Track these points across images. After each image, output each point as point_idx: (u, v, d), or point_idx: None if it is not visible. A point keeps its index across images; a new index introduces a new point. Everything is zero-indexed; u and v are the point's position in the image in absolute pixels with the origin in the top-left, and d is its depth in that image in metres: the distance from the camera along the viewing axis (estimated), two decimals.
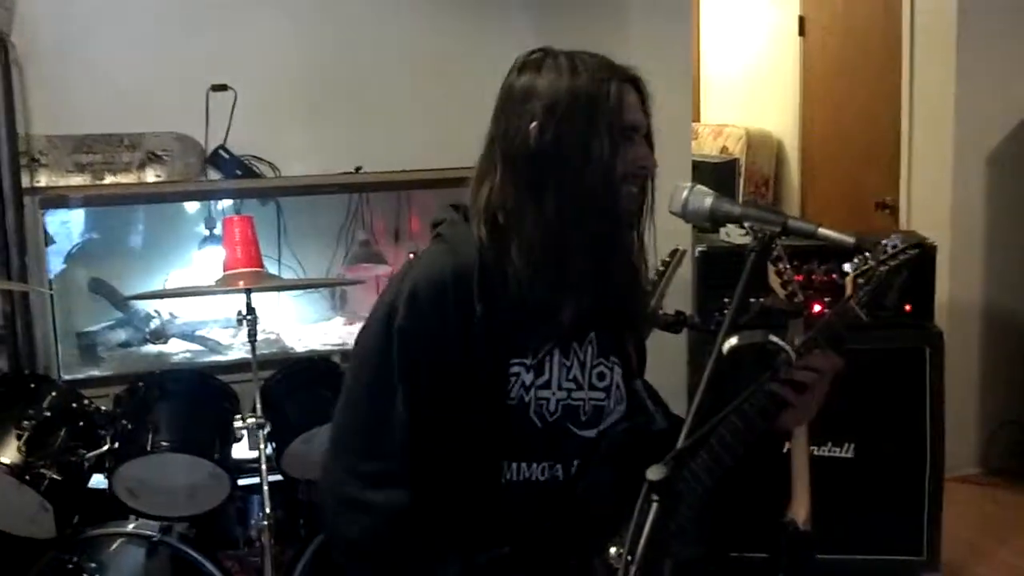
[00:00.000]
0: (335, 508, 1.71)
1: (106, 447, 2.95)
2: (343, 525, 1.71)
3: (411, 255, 4.27)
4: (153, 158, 4.10)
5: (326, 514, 1.75)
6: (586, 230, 1.65)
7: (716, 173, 5.41)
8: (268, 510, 2.85)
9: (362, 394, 1.71)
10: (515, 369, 1.69)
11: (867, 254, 1.68)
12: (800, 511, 2.66)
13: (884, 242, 1.72)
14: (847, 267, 1.69)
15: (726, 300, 1.48)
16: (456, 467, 1.69)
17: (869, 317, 1.70)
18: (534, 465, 1.74)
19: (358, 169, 4.16)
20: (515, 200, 1.67)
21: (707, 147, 6.23)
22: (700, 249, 3.55)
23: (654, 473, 1.28)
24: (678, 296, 3.21)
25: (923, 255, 3.47)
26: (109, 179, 4.04)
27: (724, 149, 6.10)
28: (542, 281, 1.65)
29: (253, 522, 2.97)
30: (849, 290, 1.73)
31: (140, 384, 3.10)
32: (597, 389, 1.80)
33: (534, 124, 1.64)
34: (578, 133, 1.63)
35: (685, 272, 3.43)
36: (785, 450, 2.77)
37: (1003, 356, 4.48)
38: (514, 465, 1.72)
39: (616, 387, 1.82)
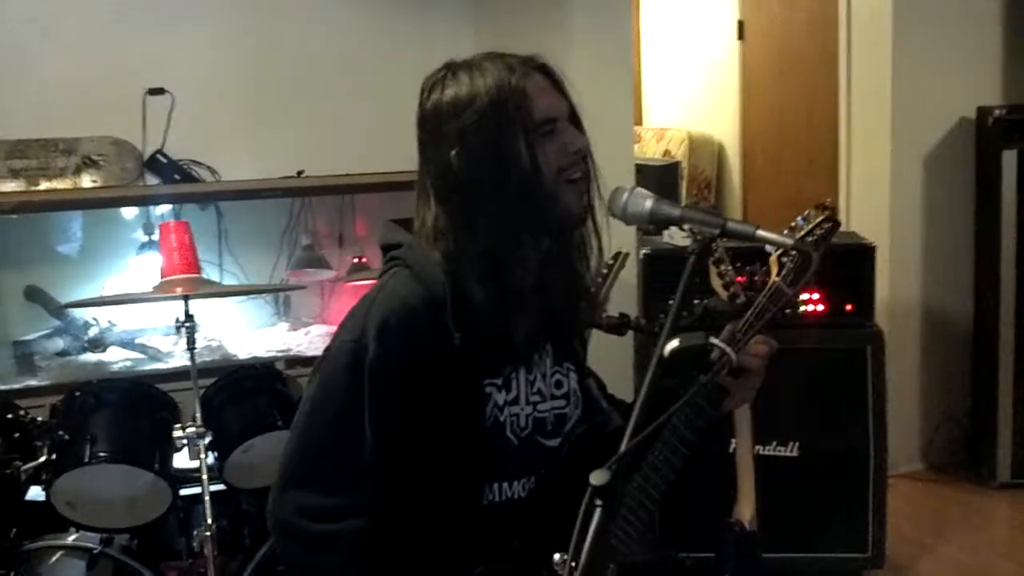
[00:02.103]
0: (303, 550, 1.66)
1: (43, 458, 2.89)
2: (318, 564, 1.65)
3: (355, 260, 4.26)
4: (89, 163, 4.03)
5: (284, 551, 1.70)
6: (523, 245, 1.64)
7: (659, 176, 5.45)
8: (210, 520, 2.81)
9: (325, 431, 1.65)
10: (488, 390, 1.68)
11: (784, 232, 1.68)
12: (746, 511, 2.67)
13: (798, 220, 1.75)
14: (768, 247, 1.70)
15: (670, 302, 1.48)
16: (437, 496, 1.67)
17: (795, 294, 1.72)
18: (515, 483, 1.73)
19: (300, 173, 4.13)
20: (452, 227, 1.64)
21: (650, 150, 6.27)
22: (644, 252, 3.56)
23: (597, 478, 1.27)
24: (623, 299, 3.21)
25: (862, 255, 3.55)
26: (44, 185, 3.97)
27: (667, 152, 6.14)
28: (492, 302, 1.63)
29: (196, 532, 2.94)
30: (774, 270, 1.75)
31: (77, 394, 3.05)
32: (557, 397, 1.80)
33: (452, 152, 1.62)
34: (492, 153, 1.60)
35: (630, 275, 3.45)
36: (731, 450, 2.79)
37: (943, 354, 4.55)
38: (495, 486, 1.71)
39: (573, 392, 1.83)
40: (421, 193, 1.69)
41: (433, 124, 1.64)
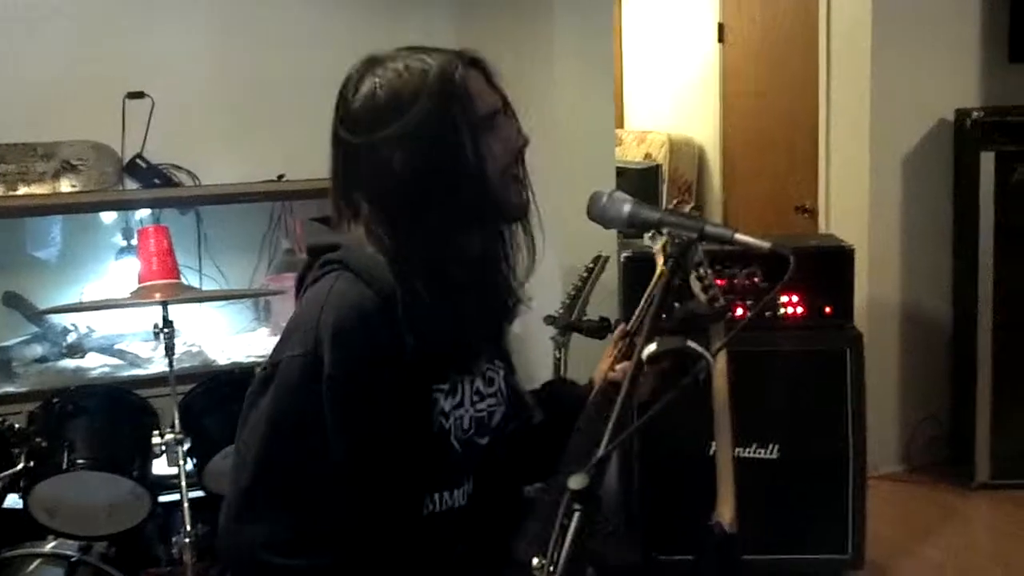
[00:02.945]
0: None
1: (20, 466, 2.87)
2: None
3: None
4: (68, 168, 4.01)
5: None
6: (467, 239, 1.58)
7: (640, 179, 5.47)
8: (189, 527, 2.80)
9: (281, 458, 1.54)
10: (435, 396, 1.60)
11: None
12: (725, 512, 2.67)
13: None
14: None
15: (649, 307, 1.48)
16: (379, 510, 1.57)
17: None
18: (456, 491, 1.66)
19: (280, 177, 4.12)
20: (391, 229, 1.56)
21: (631, 153, 6.28)
22: (625, 255, 3.57)
23: (576, 482, 1.27)
24: (603, 302, 3.22)
25: (841, 257, 3.57)
26: (23, 189, 3.94)
27: (648, 155, 6.16)
28: (440, 305, 1.55)
29: (175, 539, 2.92)
30: (659, 261, 1.75)
31: (55, 400, 3.03)
32: (490, 396, 1.72)
33: (396, 155, 1.53)
34: (440, 153, 1.53)
35: (611, 278, 3.45)
36: (711, 452, 2.80)
37: (921, 355, 4.57)
38: (436, 496, 1.63)
39: (500, 389, 1.75)
40: (342, 201, 1.61)
41: (366, 125, 1.55)
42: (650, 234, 1.64)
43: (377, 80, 1.56)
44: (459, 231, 1.57)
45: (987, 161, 4.16)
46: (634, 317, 1.91)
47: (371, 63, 1.60)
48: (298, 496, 1.54)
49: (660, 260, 1.70)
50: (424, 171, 1.54)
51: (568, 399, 1.87)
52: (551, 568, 1.28)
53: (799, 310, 3.51)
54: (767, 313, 3.48)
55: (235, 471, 1.59)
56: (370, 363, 1.52)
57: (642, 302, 1.88)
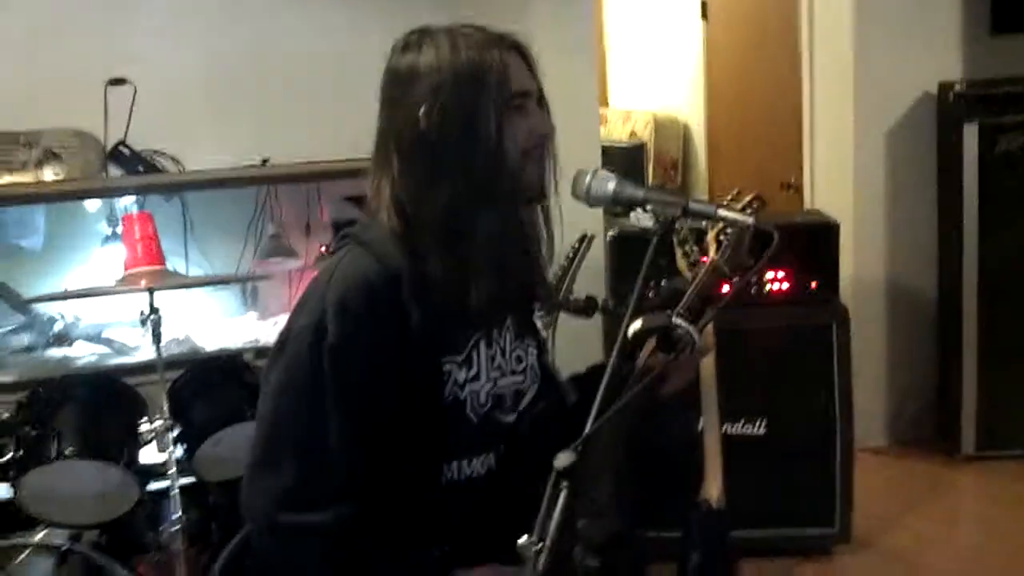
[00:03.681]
0: (277, 541, 1.63)
1: (9, 455, 2.87)
2: (294, 554, 1.63)
3: (322, 248, 4.24)
4: (51, 156, 3.97)
5: (266, 548, 1.66)
6: (482, 213, 1.62)
7: (625, 157, 5.47)
8: (180, 514, 2.80)
9: (290, 420, 1.63)
10: (447, 367, 1.67)
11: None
12: (713, 489, 2.69)
13: (729, 198, 1.78)
14: (706, 224, 1.73)
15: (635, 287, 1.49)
16: (397, 475, 1.65)
17: (732, 272, 1.75)
18: (474, 461, 1.73)
19: (265, 161, 4.10)
20: (414, 189, 1.63)
21: (616, 132, 6.28)
22: (611, 234, 3.58)
23: (562, 460, 1.28)
24: (590, 281, 3.23)
25: (826, 233, 3.59)
26: (6, 178, 3.91)
27: (633, 134, 6.16)
28: (453, 269, 1.62)
29: (164, 526, 2.92)
30: (712, 249, 1.78)
31: (42, 390, 3.03)
32: (517, 373, 1.79)
33: (422, 109, 1.61)
34: (465, 109, 1.60)
35: (597, 258, 3.46)
36: (699, 429, 2.81)
37: (907, 329, 4.60)
38: (455, 464, 1.70)
39: (532, 368, 1.83)
40: (381, 155, 1.68)
41: (405, 80, 1.63)
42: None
43: (424, 45, 1.64)
44: (473, 202, 1.61)
45: (970, 133, 4.17)
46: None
47: (422, 32, 1.67)
48: (306, 459, 1.60)
49: (712, 249, 1.74)
50: (444, 130, 1.60)
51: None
52: (539, 545, 1.29)
53: (785, 286, 3.52)
54: (753, 289, 3.50)
55: (254, 437, 1.68)
56: (371, 339, 1.59)
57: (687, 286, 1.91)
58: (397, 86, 1.65)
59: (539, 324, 1.90)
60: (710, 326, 1.79)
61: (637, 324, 1.46)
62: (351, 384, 1.59)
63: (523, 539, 1.31)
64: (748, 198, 1.81)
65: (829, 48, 4.51)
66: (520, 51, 1.68)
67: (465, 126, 1.60)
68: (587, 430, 1.36)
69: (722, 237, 1.76)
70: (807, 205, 4.68)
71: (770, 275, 3.51)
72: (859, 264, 4.43)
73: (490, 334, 1.74)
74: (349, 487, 1.61)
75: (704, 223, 1.70)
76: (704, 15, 5.66)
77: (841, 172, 4.50)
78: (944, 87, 4.34)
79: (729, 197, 1.82)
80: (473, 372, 1.70)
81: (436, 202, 1.61)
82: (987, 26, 4.39)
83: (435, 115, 1.60)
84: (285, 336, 1.66)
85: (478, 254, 1.63)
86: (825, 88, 4.58)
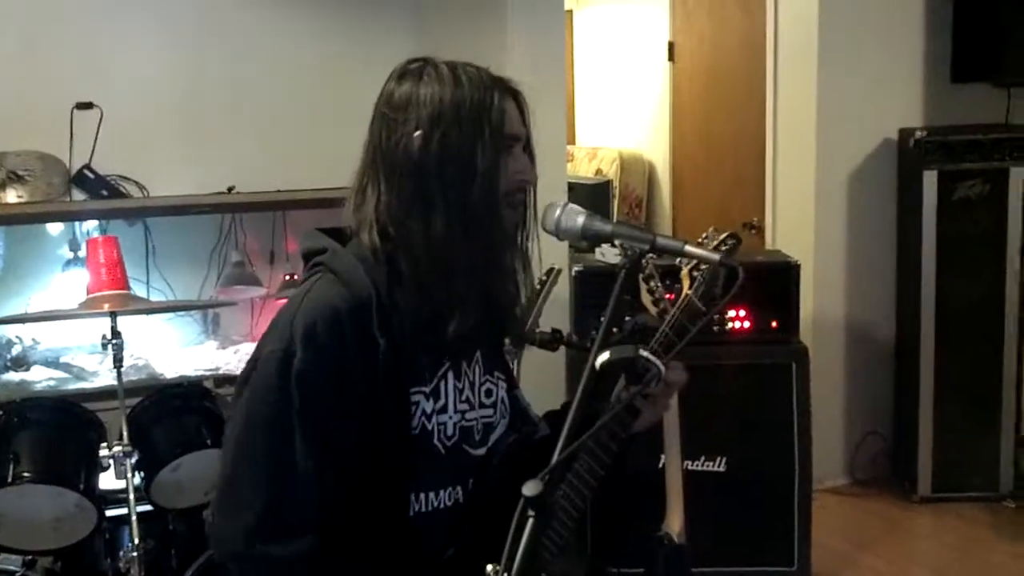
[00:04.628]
0: (248, 572, 1.62)
1: None
2: None
3: (286, 276, 4.23)
4: (14, 178, 3.95)
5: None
6: (473, 246, 1.63)
7: (591, 194, 5.50)
8: (137, 541, 2.77)
9: (257, 447, 1.61)
10: (415, 398, 1.66)
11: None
12: (674, 524, 2.70)
13: (704, 236, 1.80)
14: (680, 261, 1.76)
15: (602, 318, 1.51)
16: (363, 507, 1.64)
17: (705, 308, 1.77)
18: (441, 492, 1.72)
19: (231, 189, 4.09)
20: (401, 214, 1.63)
21: (582, 169, 6.33)
22: (576, 269, 3.60)
23: (530, 489, 1.28)
24: (555, 315, 3.24)
25: (787, 273, 3.63)
26: None
27: (599, 171, 6.20)
28: (429, 298, 1.62)
29: (122, 554, 2.88)
30: (685, 284, 1.80)
31: (0, 412, 2.98)
32: (486, 407, 1.79)
33: (418, 133, 1.61)
34: (463, 143, 1.61)
35: (562, 291, 3.48)
36: (660, 465, 2.82)
37: (866, 369, 4.65)
38: (422, 496, 1.69)
39: (501, 401, 1.83)
40: (368, 175, 1.67)
41: (403, 105, 1.64)
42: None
43: (425, 74, 1.65)
44: (460, 231, 1.62)
45: (930, 179, 4.24)
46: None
47: (424, 61, 1.68)
48: (275, 488, 1.59)
49: (686, 284, 1.77)
50: (441, 161, 1.61)
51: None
52: (505, 575, 1.29)
53: (746, 324, 3.56)
54: (715, 327, 3.52)
55: (220, 466, 1.66)
56: (339, 366, 1.58)
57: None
58: (394, 109, 1.65)
59: (507, 357, 1.91)
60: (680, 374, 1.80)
61: (604, 356, 1.47)
62: (318, 410, 1.58)
63: (490, 568, 1.31)
64: (723, 235, 1.84)
65: (793, 91, 4.58)
66: (517, 98, 1.70)
67: (463, 160, 1.61)
68: (554, 460, 1.36)
69: (695, 273, 1.78)
70: (768, 245, 4.73)
71: (731, 313, 3.55)
72: (819, 305, 4.48)
73: (459, 366, 1.74)
74: (318, 517, 1.60)
75: (677, 260, 1.72)
76: (671, 57, 5.74)
77: (802, 213, 4.56)
78: (904, 133, 4.42)
79: (704, 235, 1.84)
80: (441, 403, 1.70)
81: (425, 231, 1.61)
82: (948, 74, 4.49)
83: (433, 145, 1.61)
84: (253, 362, 1.65)
85: (461, 286, 1.64)
86: (788, 130, 4.64)
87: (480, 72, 1.67)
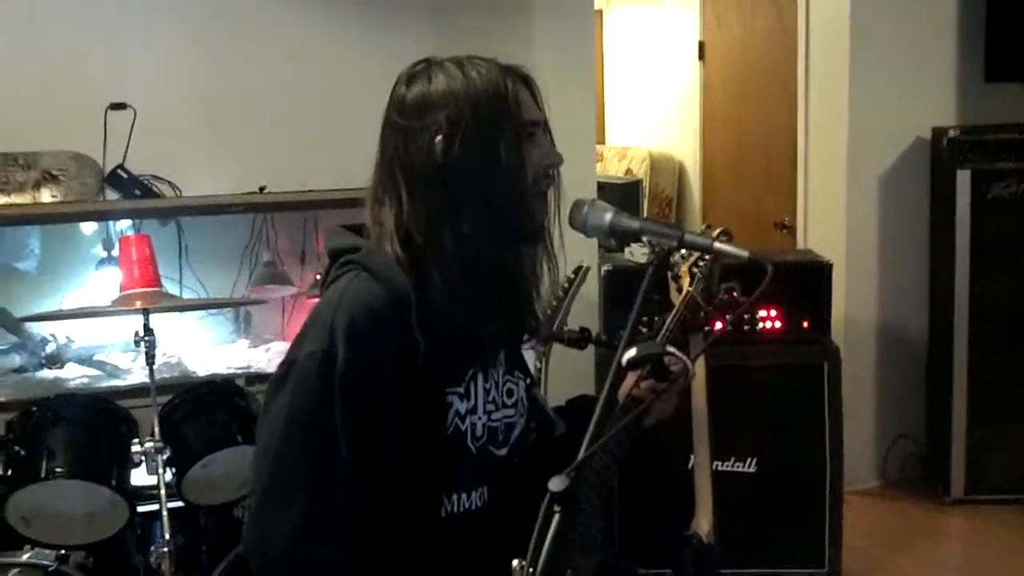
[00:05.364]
0: (279, 571, 1.59)
1: None
2: None
3: (317, 276, 4.24)
4: (49, 178, 3.99)
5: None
6: (503, 245, 1.62)
7: (621, 194, 5.50)
8: (168, 536, 2.79)
9: (297, 448, 1.57)
10: (450, 399, 1.64)
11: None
12: (703, 523, 2.68)
13: (699, 232, 1.80)
14: (677, 257, 1.76)
15: (630, 317, 1.51)
16: (397, 508, 1.63)
17: (704, 303, 1.77)
18: (472, 494, 1.71)
19: (262, 188, 4.11)
20: (429, 221, 1.60)
21: (612, 169, 6.32)
22: (606, 268, 3.60)
23: (556, 484, 1.28)
24: (584, 313, 3.24)
25: (819, 272, 3.61)
26: (3, 199, 3.93)
27: (628, 171, 6.20)
28: (464, 302, 1.60)
29: (153, 549, 2.90)
30: (686, 281, 1.80)
31: (34, 409, 3.02)
32: (508, 406, 1.78)
33: (439, 139, 1.58)
34: (486, 141, 1.58)
35: (591, 290, 3.47)
36: (689, 465, 2.81)
37: (898, 370, 4.61)
38: (454, 497, 1.68)
39: (521, 401, 1.82)
40: (385, 185, 1.64)
41: (417, 110, 1.61)
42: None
43: (433, 74, 1.63)
44: (490, 230, 1.60)
45: (963, 179, 4.21)
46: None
47: (429, 62, 1.66)
48: (315, 489, 1.57)
49: (686, 282, 1.77)
50: (465, 160, 1.58)
51: (591, 413, 1.90)
52: (531, 570, 1.29)
53: (777, 324, 3.54)
54: (745, 327, 3.51)
55: (255, 472, 1.63)
56: (380, 365, 1.56)
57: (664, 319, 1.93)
58: (406, 116, 1.62)
59: (532, 355, 1.91)
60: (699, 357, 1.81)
61: (631, 352, 1.46)
62: (361, 411, 1.56)
63: (516, 562, 1.31)
64: (716, 232, 1.83)
65: (825, 90, 4.55)
66: (528, 83, 1.68)
67: (487, 156, 1.59)
68: (580, 456, 1.36)
69: (694, 269, 1.77)
70: (800, 245, 4.71)
71: (762, 313, 3.53)
72: (851, 305, 4.45)
73: (486, 367, 1.72)
74: (359, 519, 1.59)
75: (678, 256, 1.73)
76: (701, 56, 5.73)
77: (834, 213, 4.54)
78: (938, 132, 4.39)
79: (698, 232, 1.84)
80: (471, 404, 1.68)
81: (454, 233, 1.59)
82: (981, 73, 4.45)
83: (456, 146, 1.58)
84: (288, 365, 1.61)
85: (493, 287, 1.62)
86: (820, 130, 4.62)
87: (487, 63, 1.65)
